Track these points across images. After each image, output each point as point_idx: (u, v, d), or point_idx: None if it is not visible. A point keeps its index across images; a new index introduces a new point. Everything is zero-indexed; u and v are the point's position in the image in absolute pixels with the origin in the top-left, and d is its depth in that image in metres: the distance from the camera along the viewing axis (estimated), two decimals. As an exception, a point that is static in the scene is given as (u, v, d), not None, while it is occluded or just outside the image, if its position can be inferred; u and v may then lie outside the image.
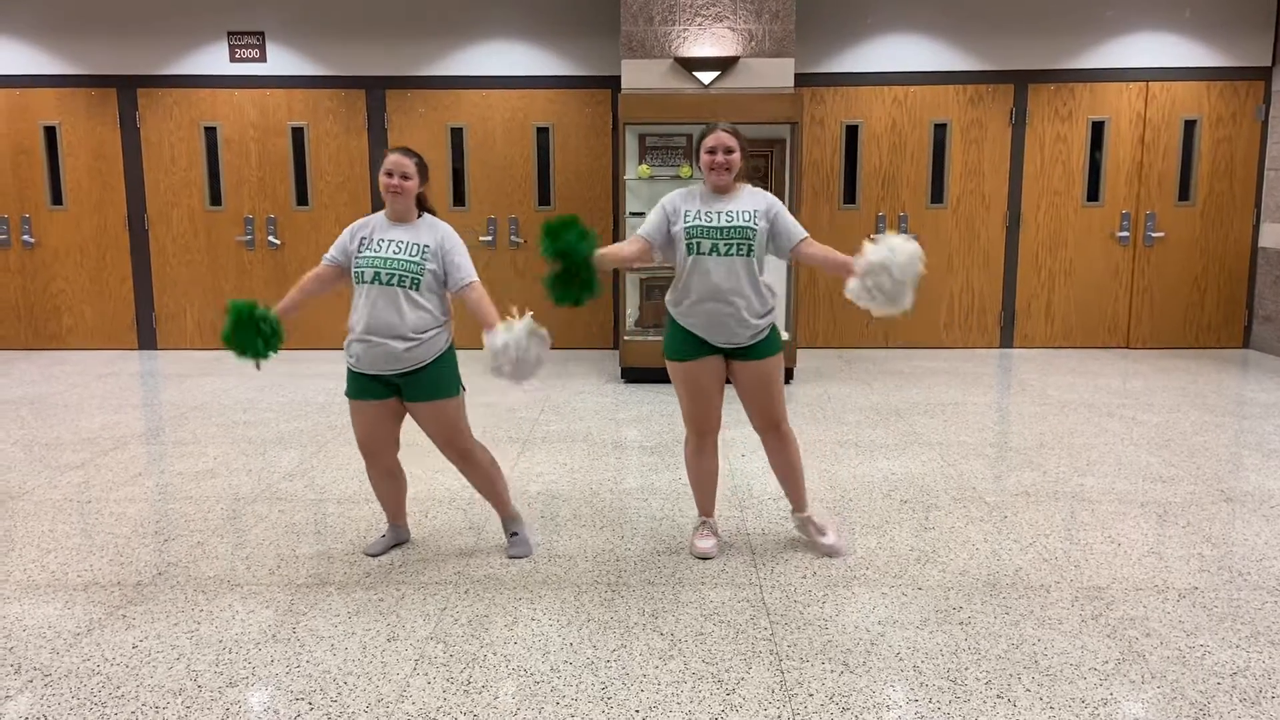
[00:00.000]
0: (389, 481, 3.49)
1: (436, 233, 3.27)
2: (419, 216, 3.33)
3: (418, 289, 3.20)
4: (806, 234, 3.34)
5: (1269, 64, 7.45)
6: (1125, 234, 7.67)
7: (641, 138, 6.62)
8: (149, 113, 7.62)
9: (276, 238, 7.70)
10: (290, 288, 3.38)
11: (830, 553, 3.47)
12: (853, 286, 3.11)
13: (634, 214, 6.40)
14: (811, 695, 2.53)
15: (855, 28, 7.47)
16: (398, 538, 3.59)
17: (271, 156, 7.68)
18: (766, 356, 3.36)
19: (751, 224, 3.27)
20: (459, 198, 7.71)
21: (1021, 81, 7.51)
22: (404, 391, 3.28)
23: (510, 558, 3.47)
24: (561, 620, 2.97)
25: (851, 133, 7.60)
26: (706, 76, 6.42)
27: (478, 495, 4.14)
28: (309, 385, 6.46)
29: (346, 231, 3.33)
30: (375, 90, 7.60)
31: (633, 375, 6.50)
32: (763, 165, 6.66)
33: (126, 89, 7.60)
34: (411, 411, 3.32)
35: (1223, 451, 4.80)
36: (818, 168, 7.61)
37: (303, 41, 7.54)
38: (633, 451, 4.88)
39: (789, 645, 2.80)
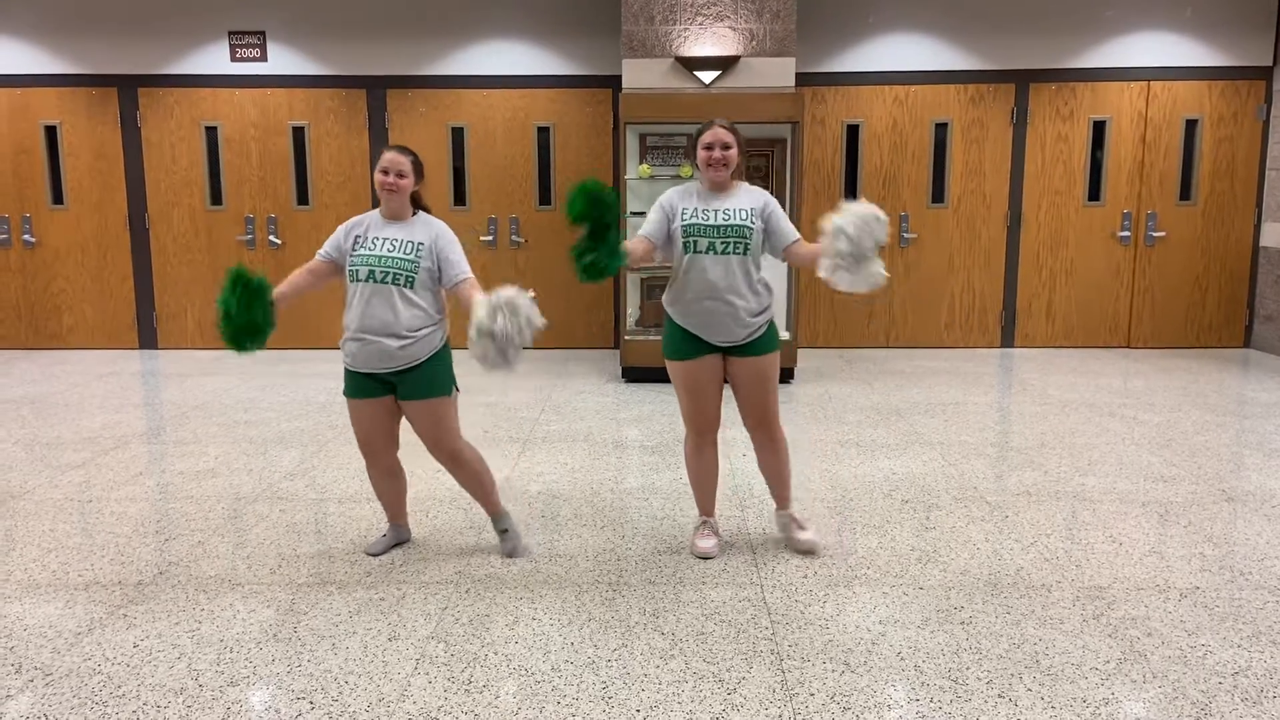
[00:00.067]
0: (389, 481, 3.49)
1: (431, 230, 3.27)
2: (414, 214, 3.33)
3: (412, 287, 3.20)
4: (799, 235, 3.34)
5: (1270, 63, 7.45)
6: (1126, 233, 7.67)
7: (642, 137, 6.62)
8: (150, 112, 7.62)
9: (277, 237, 7.70)
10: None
11: (808, 548, 3.47)
12: (823, 263, 3.08)
13: (635, 213, 6.39)
14: (813, 695, 2.53)
15: (856, 27, 7.47)
16: (398, 537, 3.59)
17: (272, 156, 7.68)
18: (763, 354, 3.35)
19: (748, 223, 3.26)
20: (460, 197, 7.71)
21: (1023, 81, 7.51)
22: (398, 389, 3.28)
23: (505, 556, 3.48)
24: (562, 620, 2.97)
25: (852, 132, 7.60)
26: (707, 76, 6.42)
27: (478, 495, 4.14)
28: (309, 385, 6.46)
29: (341, 228, 3.33)
30: (376, 90, 7.60)
31: (633, 375, 6.50)
32: (764, 165, 6.66)
33: (127, 88, 7.60)
34: (404, 409, 3.32)
35: (1224, 451, 4.80)
36: (819, 167, 7.61)
37: (303, 41, 7.54)
38: (633, 451, 4.88)
39: (790, 645, 2.79)
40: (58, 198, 7.72)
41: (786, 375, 6.44)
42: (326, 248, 3.32)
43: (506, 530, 3.53)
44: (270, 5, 7.50)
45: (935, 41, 7.47)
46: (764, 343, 3.35)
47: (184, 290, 7.82)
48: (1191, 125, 7.54)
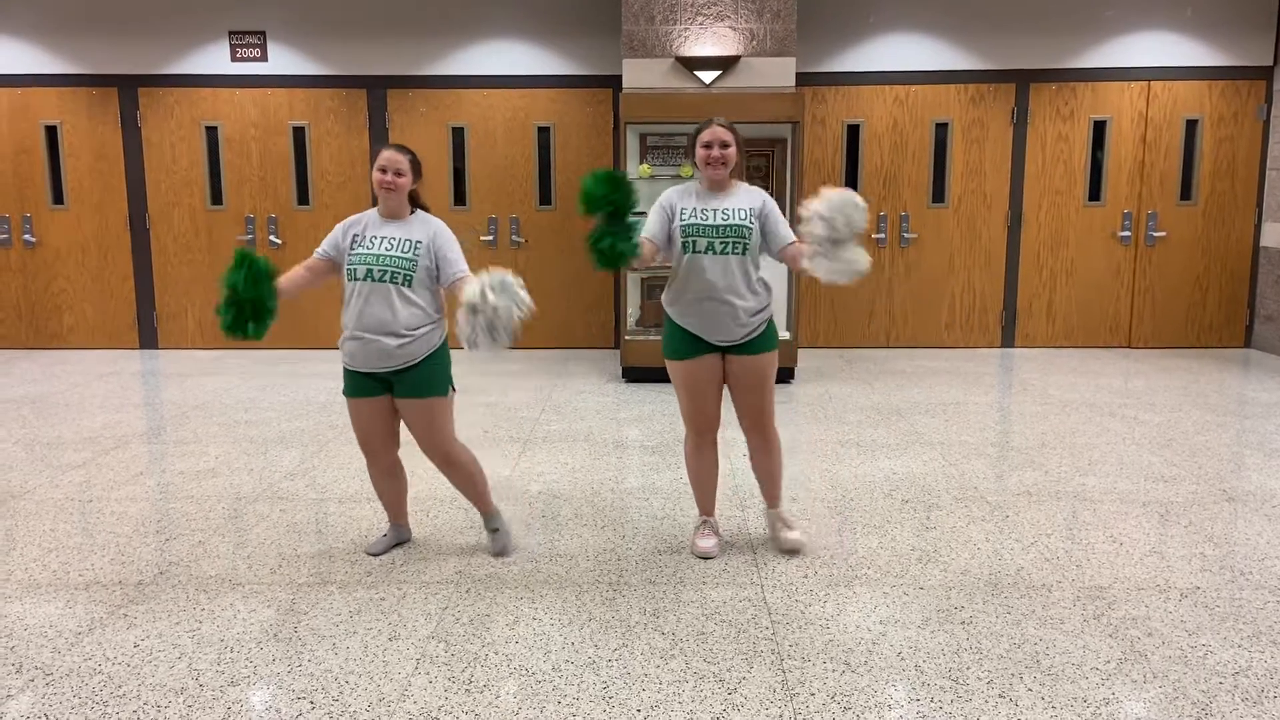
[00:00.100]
0: (390, 480, 3.49)
1: (429, 228, 3.27)
2: (412, 213, 3.33)
3: (410, 285, 3.20)
4: (795, 237, 3.33)
5: (1270, 63, 7.44)
6: (1127, 233, 7.67)
7: (643, 137, 6.62)
8: (150, 112, 7.62)
9: (278, 237, 7.70)
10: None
11: (794, 547, 3.47)
12: (803, 250, 3.08)
13: (635, 213, 6.38)
14: (813, 695, 2.53)
15: (857, 27, 7.47)
16: (399, 537, 3.59)
17: (273, 156, 7.68)
18: (761, 353, 3.35)
19: (747, 222, 3.26)
20: (460, 197, 7.71)
21: (1023, 81, 7.51)
22: (394, 388, 3.28)
23: (494, 555, 3.48)
24: (563, 619, 2.97)
25: (853, 132, 7.60)
26: (708, 76, 6.42)
27: (479, 494, 4.14)
28: (310, 385, 6.46)
29: (339, 227, 3.33)
30: (376, 90, 7.60)
31: (634, 375, 6.50)
32: (764, 165, 6.66)
33: (128, 88, 7.60)
34: (399, 407, 3.32)
35: (1224, 451, 4.80)
36: (819, 167, 7.60)
37: (304, 41, 7.54)
38: (634, 451, 4.88)
39: (790, 645, 2.79)
40: (58, 198, 7.72)
41: (787, 375, 6.44)
42: (325, 246, 3.32)
43: (497, 530, 3.53)
44: (270, 5, 7.50)
45: (936, 41, 7.47)
46: (762, 342, 3.35)
47: (184, 290, 7.82)
48: (1192, 125, 7.54)
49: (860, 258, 3.00)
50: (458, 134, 7.65)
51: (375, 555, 3.49)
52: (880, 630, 2.88)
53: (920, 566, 3.36)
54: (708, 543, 3.48)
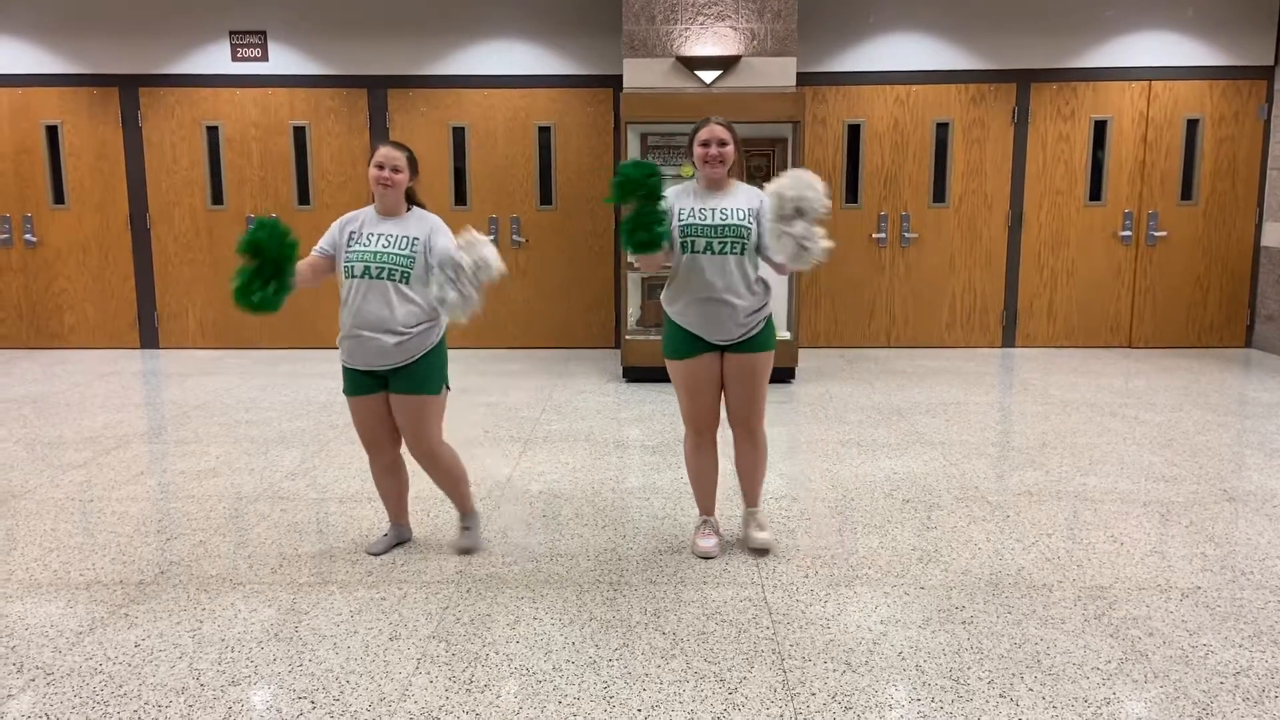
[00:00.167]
0: (391, 479, 3.49)
1: (426, 225, 3.27)
2: (408, 210, 3.33)
3: (408, 282, 3.20)
4: None
5: (1271, 63, 7.44)
6: (1127, 233, 7.66)
7: (643, 137, 6.62)
8: (151, 112, 7.62)
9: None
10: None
11: (762, 547, 3.46)
12: (767, 231, 3.12)
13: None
14: (814, 695, 2.53)
15: (857, 27, 7.47)
16: (400, 537, 3.59)
17: (273, 156, 7.68)
18: (758, 351, 3.35)
19: (745, 222, 3.26)
20: (460, 197, 7.71)
21: (1024, 81, 7.51)
22: (389, 383, 3.29)
23: (458, 550, 3.49)
24: (564, 619, 2.97)
25: (853, 132, 7.60)
26: (708, 75, 6.42)
27: (478, 495, 4.14)
28: (310, 384, 6.46)
29: (336, 224, 3.33)
30: (377, 89, 7.60)
31: (634, 374, 6.50)
32: (765, 164, 6.66)
33: (128, 88, 7.60)
34: (391, 403, 3.33)
35: (1225, 451, 4.79)
36: (820, 167, 7.60)
37: (304, 41, 7.54)
38: (634, 451, 4.88)
39: (791, 644, 2.79)
40: (59, 197, 7.73)
41: (788, 375, 6.44)
42: (322, 244, 3.32)
43: (469, 528, 3.55)
44: (271, 5, 7.50)
45: (936, 41, 7.47)
46: (760, 340, 3.35)
47: (185, 290, 7.83)
48: (1193, 125, 7.54)
49: (818, 236, 3.04)
50: (458, 134, 7.65)
51: (376, 555, 3.49)
52: (881, 630, 2.88)
53: (921, 566, 3.36)
54: (708, 542, 3.48)
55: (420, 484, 4.14)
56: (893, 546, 3.55)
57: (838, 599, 3.10)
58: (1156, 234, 7.64)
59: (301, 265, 3.30)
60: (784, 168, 6.57)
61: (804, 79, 7.20)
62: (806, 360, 7.09)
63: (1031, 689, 2.54)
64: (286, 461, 4.69)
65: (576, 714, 2.44)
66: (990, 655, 2.73)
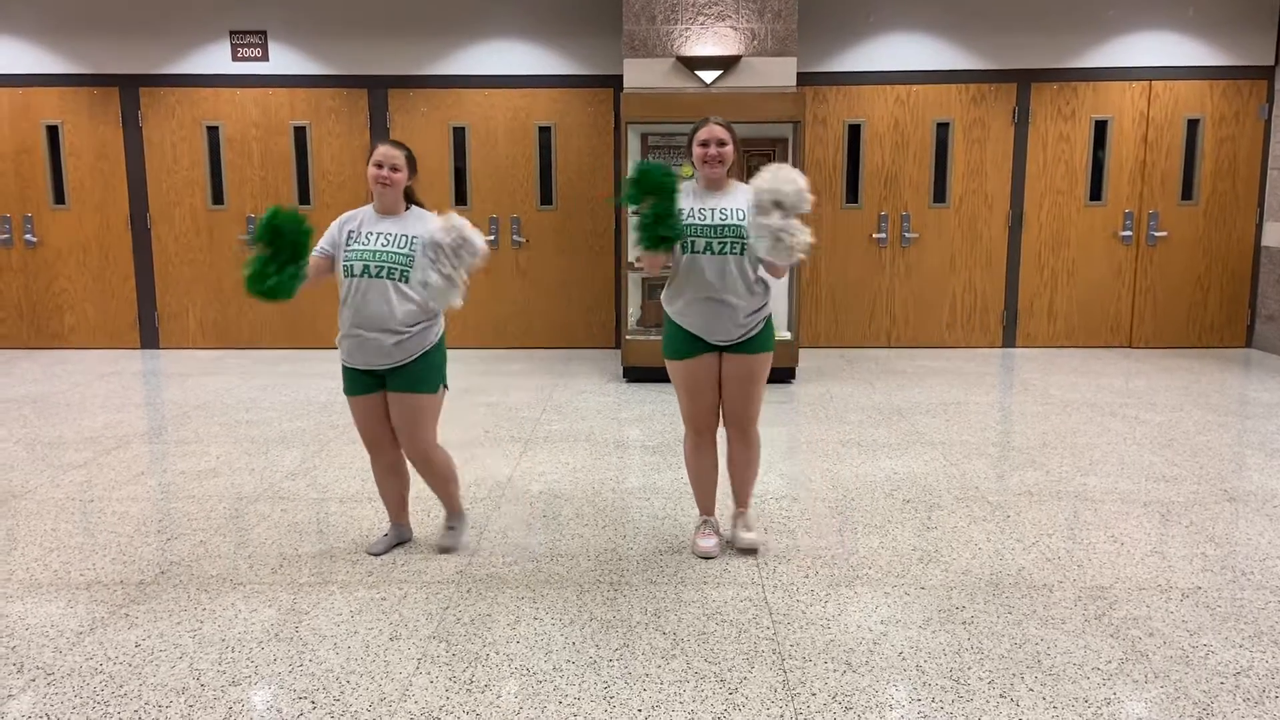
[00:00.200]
0: (393, 478, 3.50)
1: (424, 224, 3.27)
2: (407, 209, 3.33)
3: (407, 281, 3.20)
4: None
5: (1272, 63, 7.44)
6: (1128, 233, 7.66)
7: (644, 137, 6.62)
8: (151, 112, 7.62)
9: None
10: None
11: (748, 546, 3.46)
12: (749, 224, 3.14)
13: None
14: (814, 695, 2.53)
15: (857, 27, 7.46)
16: (400, 536, 3.59)
17: (274, 156, 7.68)
18: (757, 352, 3.36)
19: (744, 223, 3.26)
20: (461, 197, 7.71)
21: (1024, 80, 7.50)
22: (387, 381, 3.29)
23: (439, 548, 3.50)
24: (564, 619, 2.97)
25: (854, 132, 7.60)
26: (709, 76, 6.42)
27: (479, 495, 4.15)
28: (311, 384, 6.46)
29: (335, 224, 3.33)
30: (377, 89, 7.60)
31: (635, 374, 6.50)
32: (766, 164, 6.65)
33: (129, 88, 7.60)
34: (389, 401, 3.33)
35: (1226, 451, 4.79)
36: (820, 167, 7.60)
37: (305, 41, 7.54)
38: (635, 451, 4.88)
39: (791, 645, 2.79)
40: (59, 197, 7.73)
41: (788, 375, 6.44)
42: (322, 243, 3.32)
43: (454, 528, 3.57)
44: (271, 5, 7.50)
45: (936, 41, 7.47)
46: (759, 341, 3.35)
47: (185, 290, 7.83)
48: (1193, 125, 7.54)
49: (788, 227, 3.06)
50: (459, 134, 7.65)
51: (376, 555, 3.49)
52: (881, 630, 2.88)
53: (921, 566, 3.36)
54: (708, 542, 3.48)
55: (421, 483, 4.14)
56: (893, 546, 3.55)
57: (838, 599, 3.10)
58: (1157, 234, 7.64)
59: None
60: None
61: (804, 79, 7.21)
62: (807, 360, 7.09)
63: (1032, 689, 2.54)
64: (287, 461, 4.69)
65: (577, 714, 2.44)
66: (991, 655, 2.73)
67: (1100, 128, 7.55)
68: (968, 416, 5.53)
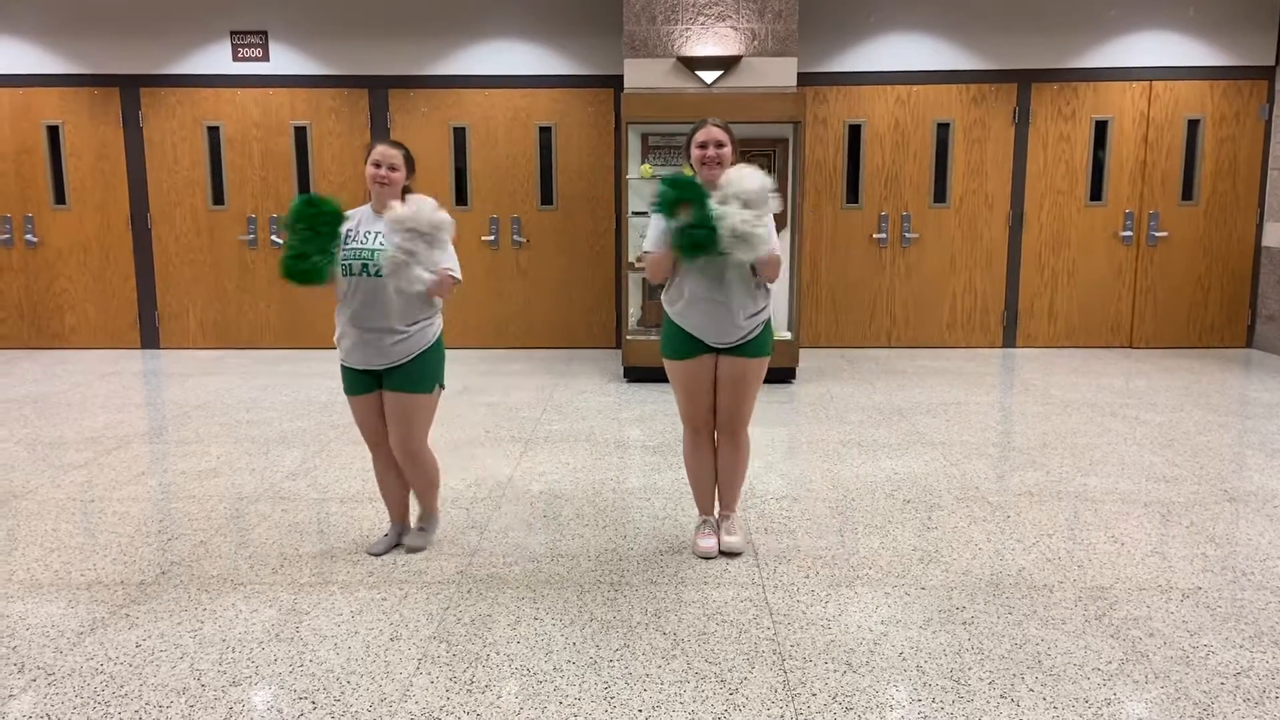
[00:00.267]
0: (393, 476, 3.50)
1: None
2: None
3: None
4: (778, 247, 3.31)
5: (1272, 63, 7.44)
6: (1128, 233, 7.66)
7: (644, 137, 6.62)
8: (152, 112, 7.62)
9: (279, 237, 7.71)
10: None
11: (731, 550, 3.46)
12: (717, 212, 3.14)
13: (636, 213, 6.40)
14: (814, 695, 2.53)
15: (858, 27, 7.46)
16: (401, 537, 3.59)
17: (274, 156, 7.68)
18: (754, 356, 3.36)
19: None
20: (461, 197, 7.71)
21: (1025, 81, 7.50)
22: (384, 380, 3.30)
23: (407, 548, 3.50)
24: (564, 620, 2.97)
25: (854, 132, 7.60)
26: (709, 76, 6.42)
27: (479, 495, 4.15)
28: (311, 384, 6.46)
29: None
30: (378, 89, 7.60)
31: (635, 375, 6.50)
32: (766, 164, 6.65)
33: (129, 88, 7.60)
34: (384, 399, 3.33)
35: (1226, 451, 4.79)
36: (821, 167, 7.60)
37: (305, 41, 7.54)
38: (635, 451, 4.88)
39: (792, 645, 2.79)
40: (60, 198, 7.73)
41: (788, 375, 6.44)
42: None
43: (425, 530, 3.57)
44: (272, 5, 7.50)
45: (937, 41, 7.47)
46: (757, 345, 3.35)
47: (186, 290, 7.83)
48: (1194, 125, 7.54)
49: (747, 220, 3.07)
50: (459, 134, 7.65)
51: (377, 555, 3.49)
52: (882, 630, 2.88)
53: (922, 567, 3.36)
54: (708, 543, 3.48)
55: (421, 484, 4.14)
56: (893, 547, 3.55)
57: (838, 599, 3.10)
58: (1157, 234, 7.63)
59: None
60: (785, 168, 6.58)
61: (805, 79, 7.20)
62: (807, 360, 7.09)
63: (1032, 689, 2.54)
64: (287, 461, 4.69)
65: (577, 714, 2.45)
66: (991, 656, 2.73)
67: (1101, 128, 7.55)
68: (968, 417, 5.53)
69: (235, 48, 7.54)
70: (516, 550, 3.54)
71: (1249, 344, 7.79)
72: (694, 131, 3.33)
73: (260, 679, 2.62)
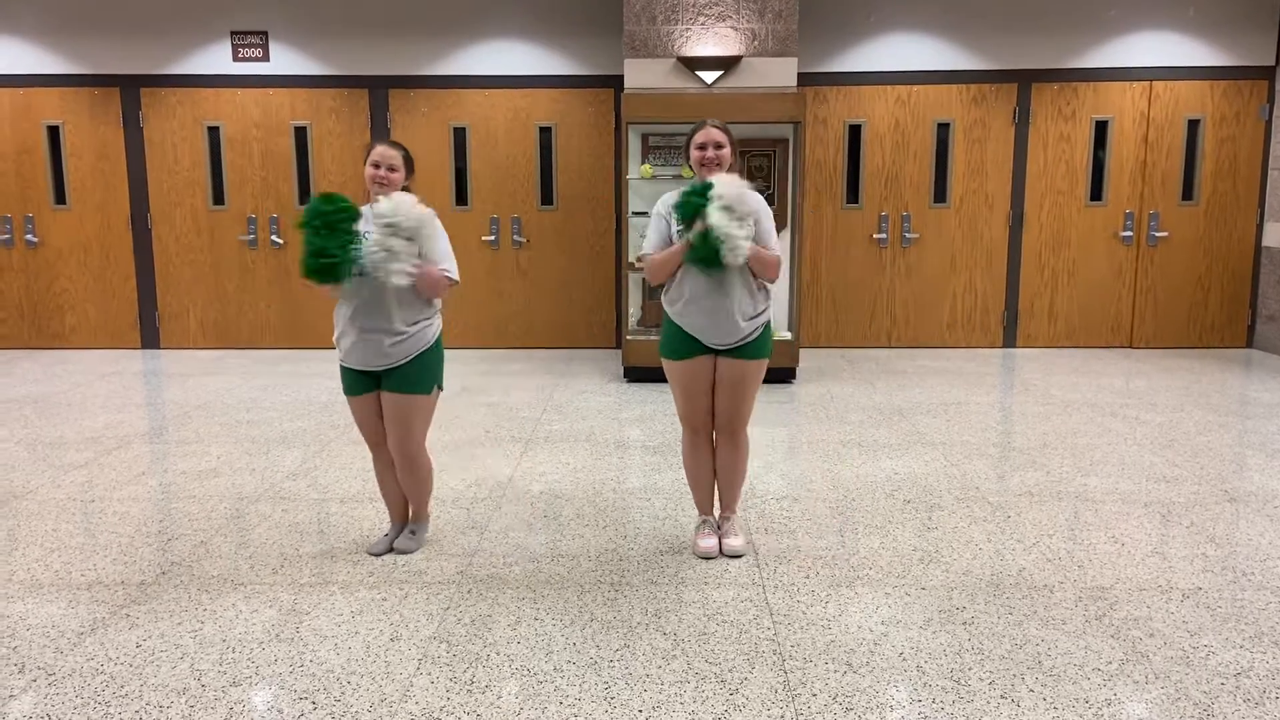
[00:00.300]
0: (393, 476, 3.50)
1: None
2: None
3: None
4: (777, 248, 3.31)
5: (1272, 63, 7.44)
6: (1129, 233, 7.66)
7: (644, 137, 6.62)
8: (152, 112, 7.63)
9: (279, 237, 7.70)
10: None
11: (733, 553, 3.45)
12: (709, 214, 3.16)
13: (637, 214, 6.40)
14: (815, 695, 2.53)
15: (858, 27, 7.46)
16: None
17: (274, 156, 7.68)
18: (753, 358, 3.36)
19: None
20: (461, 197, 7.71)
21: (1025, 81, 7.50)
22: (382, 380, 3.30)
23: (397, 550, 3.49)
24: (565, 620, 2.97)
25: (854, 132, 7.60)
26: (709, 76, 6.42)
27: (479, 495, 4.15)
28: (311, 384, 6.46)
29: None
30: (378, 90, 7.60)
31: (635, 375, 6.50)
32: (766, 165, 6.66)
33: (130, 88, 7.60)
34: (382, 400, 3.34)
35: (1226, 451, 4.79)
36: (821, 167, 7.61)
37: (306, 41, 7.55)
38: (635, 451, 4.88)
39: (792, 645, 2.79)
40: (60, 198, 7.73)
41: (788, 375, 6.44)
42: None
43: (415, 533, 3.56)
44: (272, 5, 7.50)
45: (937, 41, 7.47)
46: (756, 347, 3.35)
47: (186, 290, 7.83)
48: (1194, 125, 7.54)
49: (730, 227, 3.09)
50: (459, 134, 7.65)
51: (377, 555, 3.49)
52: (882, 631, 2.88)
53: (922, 567, 3.36)
54: (709, 543, 3.48)
55: (421, 484, 4.14)
56: (894, 547, 3.55)
57: (839, 599, 3.10)
58: (1157, 234, 7.63)
59: None
60: (785, 168, 6.59)
61: (805, 79, 7.20)
62: (807, 360, 7.09)
63: (1033, 690, 2.54)
64: (288, 462, 4.69)
65: (577, 715, 2.45)
66: (991, 656, 2.73)
67: (1101, 128, 7.55)
68: (968, 417, 5.53)
69: (235, 48, 7.55)
70: (517, 550, 3.54)
71: (1249, 344, 7.80)
72: (693, 133, 3.33)
73: (260, 679, 2.62)
